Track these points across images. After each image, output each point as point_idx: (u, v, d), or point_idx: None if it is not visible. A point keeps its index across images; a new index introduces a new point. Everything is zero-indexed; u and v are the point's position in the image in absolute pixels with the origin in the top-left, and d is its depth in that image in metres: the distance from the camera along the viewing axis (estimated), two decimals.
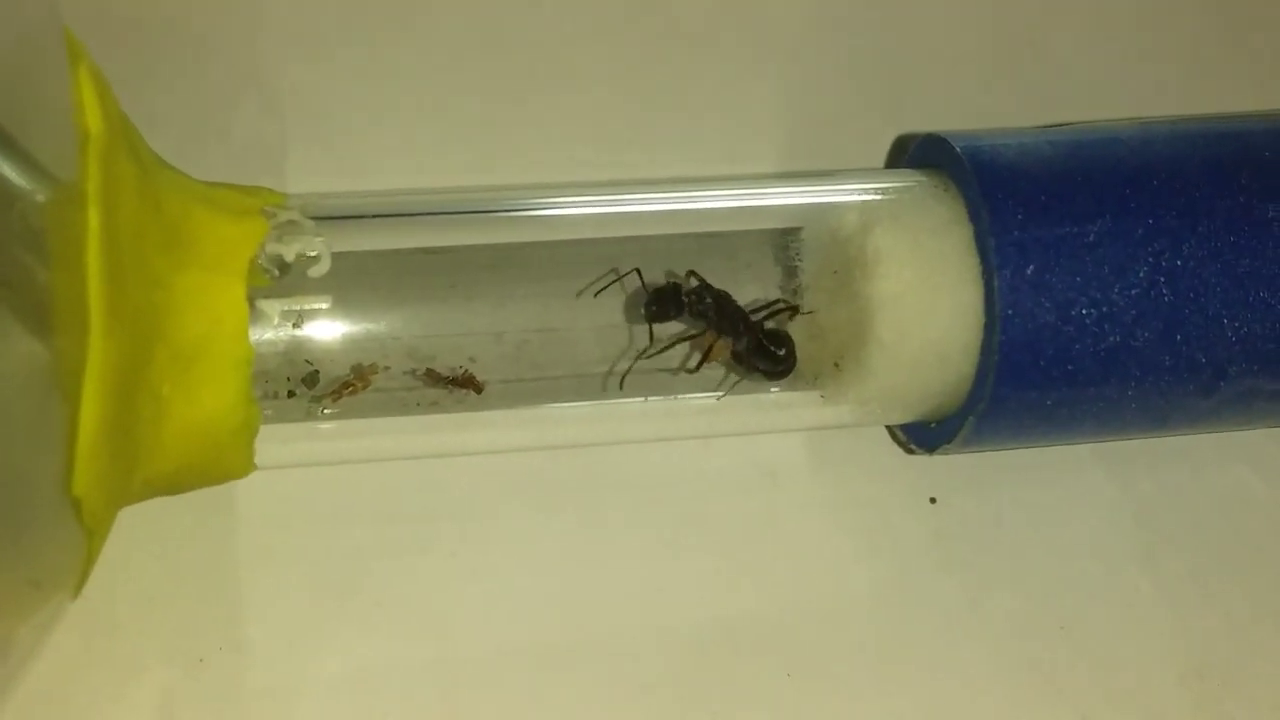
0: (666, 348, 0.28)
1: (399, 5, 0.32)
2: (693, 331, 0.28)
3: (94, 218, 0.22)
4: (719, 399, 0.29)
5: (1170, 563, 0.32)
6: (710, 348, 0.28)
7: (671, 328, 0.28)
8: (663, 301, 0.27)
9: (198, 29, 0.31)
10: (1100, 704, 0.30)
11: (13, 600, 0.24)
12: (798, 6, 0.33)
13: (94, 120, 0.23)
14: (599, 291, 0.28)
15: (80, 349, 0.23)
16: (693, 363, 0.29)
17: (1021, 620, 0.31)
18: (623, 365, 0.28)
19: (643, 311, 0.28)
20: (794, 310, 0.29)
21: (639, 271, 0.28)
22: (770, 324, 0.28)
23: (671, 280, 0.28)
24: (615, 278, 0.28)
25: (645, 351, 0.28)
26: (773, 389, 0.29)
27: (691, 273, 0.28)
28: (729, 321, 0.28)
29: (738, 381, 0.29)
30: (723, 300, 0.28)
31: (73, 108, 0.23)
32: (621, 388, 0.28)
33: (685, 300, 0.27)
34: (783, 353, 0.28)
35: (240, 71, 0.31)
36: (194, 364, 0.25)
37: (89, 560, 0.25)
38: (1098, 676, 0.30)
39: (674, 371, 0.29)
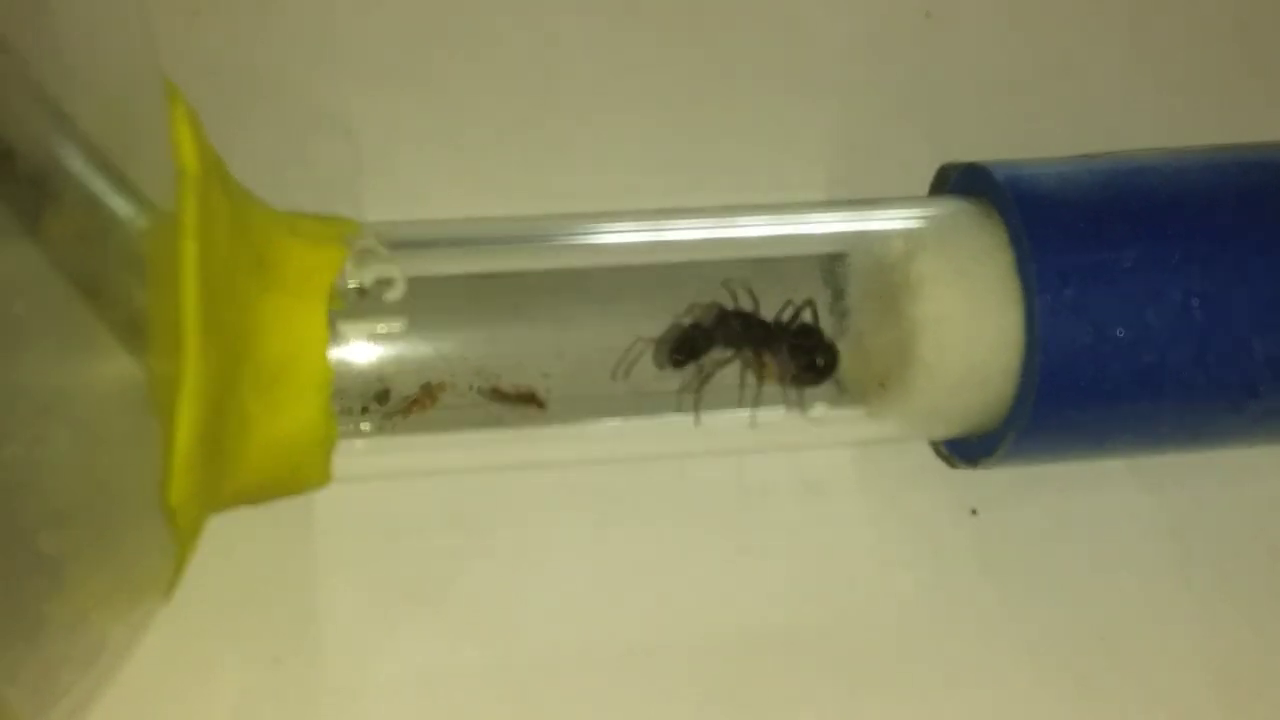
0: (712, 373, 0.29)
1: (463, 41, 0.33)
2: (727, 355, 0.29)
3: (190, 248, 0.24)
4: (805, 415, 0.30)
5: (1204, 573, 0.33)
6: (760, 363, 0.29)
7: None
8: (686, 345, 0.28)
9: (278, 70, 0.32)
10: (1137, 711, 0.31)
11: (111, 601, 0.25)
12: (843, 42, 0.35)
13: (190, 158, 0.25)
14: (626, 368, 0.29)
15: (174, 367, 0.24)
16: (749, 394, 0.29)
17: (1060, 629, 0.32)
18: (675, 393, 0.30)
19: (669, 362, 0.28)
20: (810, 304, 0.29)
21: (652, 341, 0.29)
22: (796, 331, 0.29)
23: (684, 321, 0.29)
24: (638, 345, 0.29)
25: (695, 388, 0.29)
26: (816, 406, 0.30)
27: (714, 302, 0.29)
28: (760, 333, 0.29)
29: (798, 391, 0.30)
30: (746, 316, 0.29)
31: (170, 145, 0.25)
32: (697, 417, 0.29)
33: (711, 332, 0.28)
34: (812, 342, 0.29)
35: (317, 108, 0.33)
36: (278, 382, 0.27)
37: (180, 566, 0.26)
38: (1134, 684, 0.31)
39: (741, 404, 0.30)
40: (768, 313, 0.29)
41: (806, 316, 0.29)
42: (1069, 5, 0.35)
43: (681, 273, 0.30)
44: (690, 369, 0.29)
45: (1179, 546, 0.33)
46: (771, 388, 0.30)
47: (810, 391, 0.30)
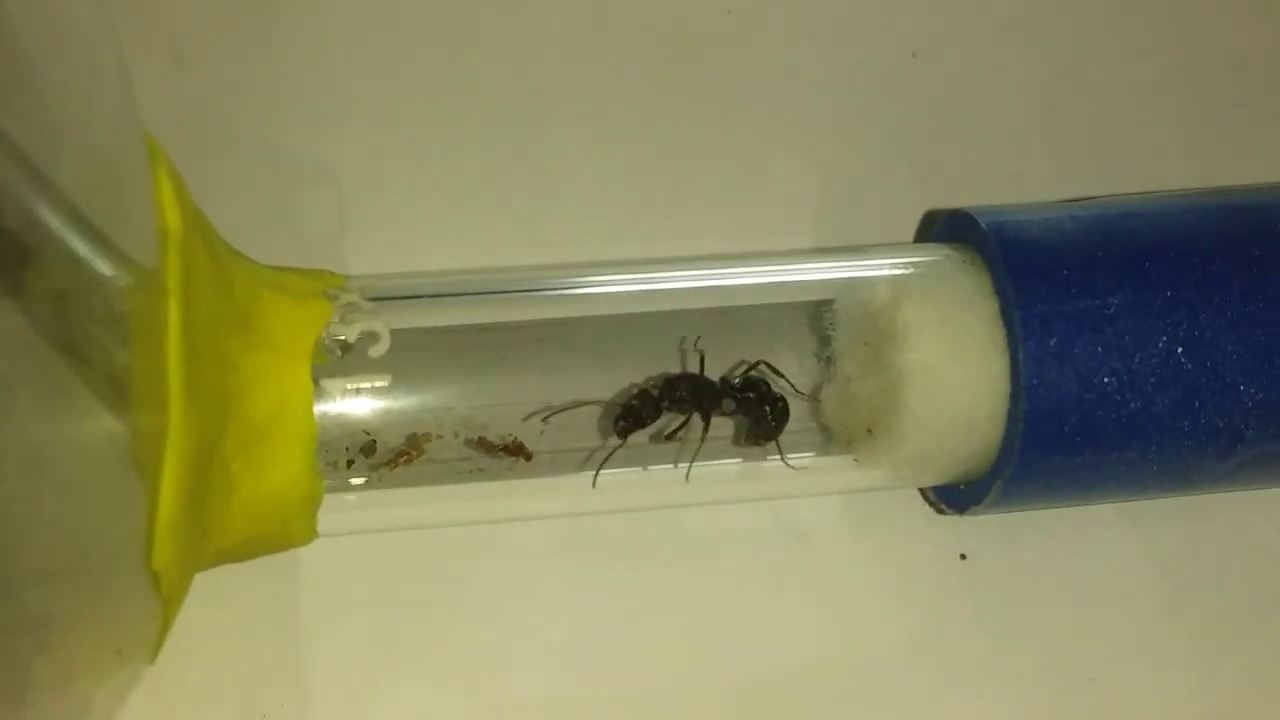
0: (673, 434, 0.29)
1: (448, 93, 0.33)
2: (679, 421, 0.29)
3: (174, 310, 0.24)
4: (792, 467, 0.30)
5: (1193, 615, 0.33)
6: (707, 424, 0.29)
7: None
8: (629, 414, 0.28)
9: (261, 121, 0.32)
10: None
11: (96, 661, 0.25)
12: (829, 85, 0.35)
13: (173, 218, 0.25)
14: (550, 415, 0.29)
15: (157, 427, 0.24)
16: (690, 450, 0.29)
17: (1051, 672, 0.32)
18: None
19: (615, 430, 0.28)
20: (763, 364, 0.29)
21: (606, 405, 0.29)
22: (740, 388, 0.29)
23: (638, 389, 0.29)
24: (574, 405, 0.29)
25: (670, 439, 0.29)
26: (797, 458, 0.30)
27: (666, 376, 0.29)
28: (709, 395, 0.29)
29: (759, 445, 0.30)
30: (694, 380, 0.29)
31: (153, 204, 0.25)
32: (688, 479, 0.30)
33: (658, 400, 0.28)
34: (754, 395, 0.29)
35: (301, 159, 0.33)
36: (262, 441, 0.27)
37: (165, 627, 0.26)
38: None
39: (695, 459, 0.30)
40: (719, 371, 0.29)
41: (762, 374, 0.29)
42: (1054, 47, 0.36)
43: (668, 321, 0.30)
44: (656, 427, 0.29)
45: (1169, 588, 0.33)
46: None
47: (797, 440, 0.30)
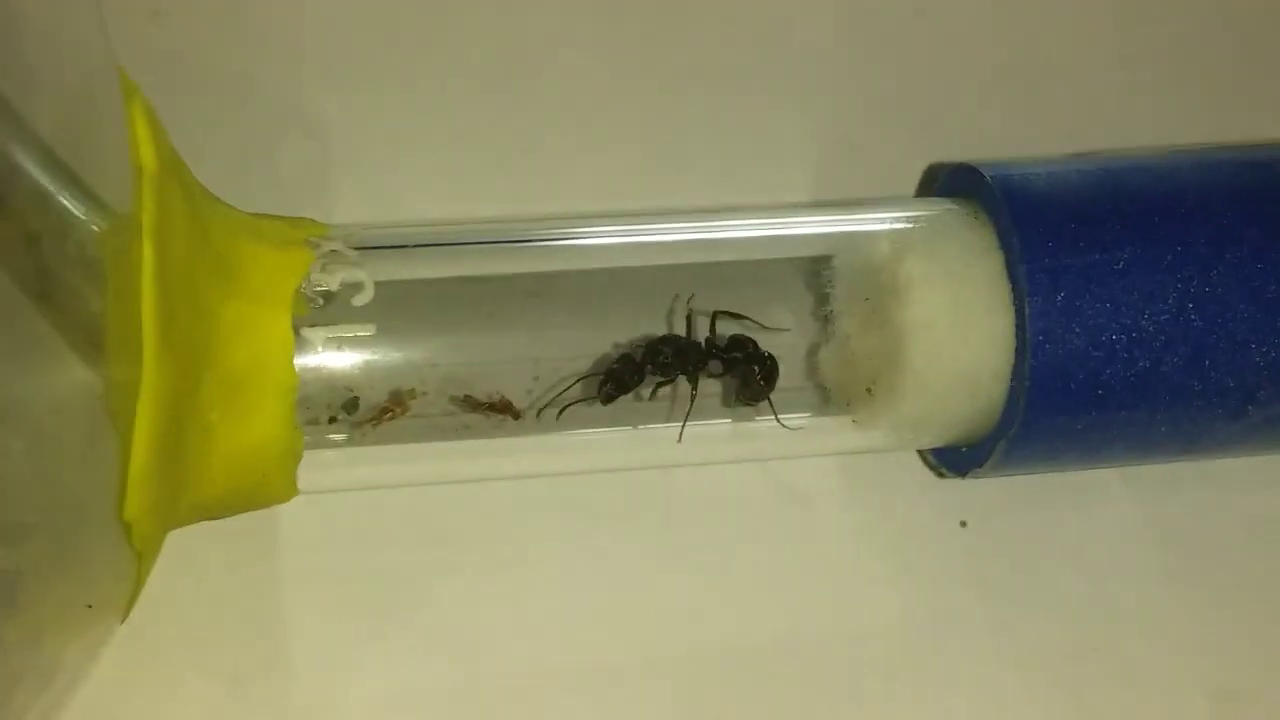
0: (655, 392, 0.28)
1: (436, 39, 0.32)
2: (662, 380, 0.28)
3: (148, 249, 0.23)
4: (787, 427, 0.29)
5: (1198, 584, 0.32)
6: (696, 386, 0.28)
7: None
8: (613, 379, 0.28)
9: (240, 67, 0.32)
10: None
11: (66, 619, 0.24)
12: (829, 39, 0.34)
13: (147, 155, 0.24)
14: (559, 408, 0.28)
15: (132, 376, 0.23)
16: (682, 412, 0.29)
17: (1052, 642, 0.31)
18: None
19: (599, 395, 0.28)
20: (735, 316, 0.29)
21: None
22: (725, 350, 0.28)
23: (621, 351, 0.28)
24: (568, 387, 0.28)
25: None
26: (792, 419, 0.29)
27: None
28: (694, 358, 0.28)
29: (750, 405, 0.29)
30: (676, 342, 0.28)
31: (128, 144, 0.24)
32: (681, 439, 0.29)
33: (641, 365, 0.28)
34: (740, 355, 0.28)
35: (282, 106, 0.32)
36: (241, 391, 0.26)
37: (138, 583, 0.25)
38: (1127, 698, 0.31)
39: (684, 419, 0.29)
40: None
41: (733, 329, 0.29)
42: (1060, 3, 0.35)
43: (662, 276, 0.29)
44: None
45: (1171, 557, 0.32)
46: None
47: (793, 399, 0.29)
